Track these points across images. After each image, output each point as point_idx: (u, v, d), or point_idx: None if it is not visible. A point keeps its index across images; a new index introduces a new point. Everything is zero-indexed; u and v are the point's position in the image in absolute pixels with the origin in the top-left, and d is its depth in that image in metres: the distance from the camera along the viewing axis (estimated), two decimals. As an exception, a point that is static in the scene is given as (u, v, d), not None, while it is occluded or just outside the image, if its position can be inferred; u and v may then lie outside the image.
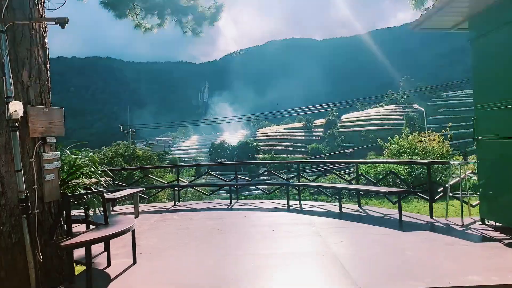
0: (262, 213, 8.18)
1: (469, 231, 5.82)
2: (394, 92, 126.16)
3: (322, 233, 6.06)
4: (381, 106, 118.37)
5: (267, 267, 4.58)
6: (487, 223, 6.15)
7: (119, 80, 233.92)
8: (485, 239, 5.35)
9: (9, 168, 3.92)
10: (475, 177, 7.78)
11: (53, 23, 4.07)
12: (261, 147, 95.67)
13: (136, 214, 8.27)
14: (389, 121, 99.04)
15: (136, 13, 10.01)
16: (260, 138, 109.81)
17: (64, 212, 4.42)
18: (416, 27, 6.67)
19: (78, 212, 5.60)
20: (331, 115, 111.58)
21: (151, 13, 10.37)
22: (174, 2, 9.70)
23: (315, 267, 4.52)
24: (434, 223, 6.47)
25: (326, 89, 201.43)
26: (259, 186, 11.07)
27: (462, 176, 6.70)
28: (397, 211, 7.50)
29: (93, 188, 4.96)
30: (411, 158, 18.44)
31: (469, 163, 6.41)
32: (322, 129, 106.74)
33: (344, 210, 8.09)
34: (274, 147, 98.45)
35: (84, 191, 4.82)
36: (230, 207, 9.19)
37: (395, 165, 15.10)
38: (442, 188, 7.19)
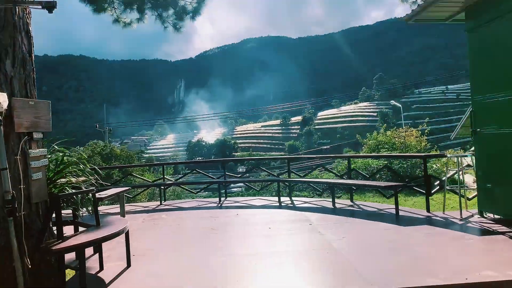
0: (254, 211, 7.96)
1: (470, 225, 5.75)
2: (368, 89, 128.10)
3: (320, 230, 5.87)
4: (355, 103, 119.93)
5: (272, 266, 4.35)
6: (485, 216, 6.09)
7: (93, 78, 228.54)
8: (488, 232, 5.26)
9: (-7, 166, 3.56)
10: (467, 171, 7.77)
11: (40, 7, 3.73)
12: (239, 145, 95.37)
13: (122, 214, 7.89)
14: (363, 118, 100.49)
15: (115, 7, 9.62)
16: (238, 135, 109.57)
17: (54, 213, 4.07)
18: (411, 18, 6.55)
19: (64, 213, 5.23)
20: (308, 113, 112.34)
21: (130, 7, 9.99)
22: (154, -5, 9.38)
23: (322, 265, 4.32)
24: (432, 217, 6.38)
25: (302, 86, 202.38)
26: (247, 183, 10.83)
27: (460, 169, 6.63)
28: (391, 206, 7.44)
29: (83, 187, 4.62)
30: (390, 153, 18.61)
31: (466, 156, 6.33)
32: (299, 126, 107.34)
33: (337, 205, 7.95)
34: (252, 145, 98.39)
35: (74, 191, 4.47)
36: (219, 205, 8.91)
37: (375, 160, 15.10)
38: (438, 182, 7.12)
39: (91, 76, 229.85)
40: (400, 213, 6.76)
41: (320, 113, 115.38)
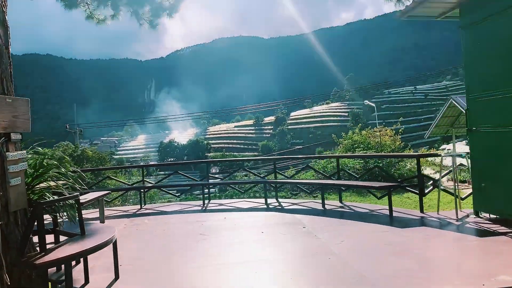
0: (242, 214, 7.65)
1: (468, 225, 5.64)
2: (339, 90, 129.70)
3: (316, 233, 5.63)
4: (327, 103, 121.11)
5: (276, 276, 4.07)
6: (481, 215, 6.01)
7: (61, 78, 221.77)
8: (489, 233, 5.15)
9: (-33, 171, 3.14)
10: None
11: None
12: (212, 146, 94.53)
13: (102, 219, 7.44)
14: (335, 118, 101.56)
15: (88, 3, 9.19)
16: (211, 136, 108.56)
17: (36, 223, 3.65)
18: (405, 14, 6.42)
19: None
20: (281, 113, 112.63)
21: (104, 3, 9.56)
22: (130, -9, 9.01)
23: (329, 273, 4.07)
24: (428, 218, 6.26)
25: (275, 86, 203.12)
26: (232, 185, 10.48)
27: (454, 168, 6.55)
28: (383, 206, 7.33)
29: (66, 193, 4.20)
30: (365, 152, 18.69)
31: (461, 155, 6.24)
32: (272, 127, 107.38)
33: (327, 207, 7.75)
34: (225, 145, 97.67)
35: (56, 197, 4.05)
36: (204, 208, 8.56)
37: (351, 159, 15.03)
38: (431, 182, 7.02)
39: (58, 75, 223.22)
40: (393, 214, 6.62)
41: (292, 113, 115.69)
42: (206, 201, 9.20)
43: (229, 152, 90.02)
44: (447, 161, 26.85)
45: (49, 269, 3.96)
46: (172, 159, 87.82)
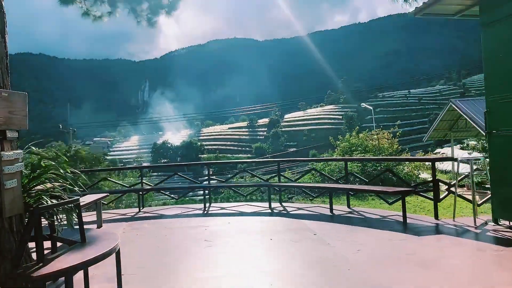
0: (246, 218, 7.32)
1: (489, 234, 5.36)
2: (334, 92, 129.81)
3: (329, 241, 5.32)
4: (321, 106, 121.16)
5: (293, 288, 3.75)
6: (500, 223, 5.74)
7: (53, 77, 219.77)
8: (513, 242, 4.89)
9: (-43, 172, 2.80)
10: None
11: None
12: (206, 147, 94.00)
13: (99, 223, 7.09)
14: (329, 121, 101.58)
15: (85, -1, 8.92)
16: (204, 137, 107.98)
17: (34, 230, 3.30)
18: (421, 11, 6.16)
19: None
20: (274, 115, 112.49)
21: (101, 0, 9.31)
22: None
23: (351, 285, 3.76)
24: (445, 225, 5.97)
25: (269, 89, 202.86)
26: (234, 188, 10.13)
27: (471, 173, 6.26)
28: (394, 212, 7.07)
29: (65, 196, 3.85)
30: (364, 155, 18.45)
31: (479, 159, 5.97)
32: (266, 129, 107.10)
33: (334, 212, 7.44)
34: (219, 147, 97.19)
35: (55, 200, 3.70)
36: (205, 212, 8.22)
37: (349, 162, 14.71)
38: (447, 187, 6.74)
39: (51, 75, 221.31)
40: (407, 220, 6.33)
41: (286, 116, 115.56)
42: (207, 204, 8.87)
43: (223, 154, 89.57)
44: (444, 166, 26.73)
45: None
46: (166, 160, 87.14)
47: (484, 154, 16.98)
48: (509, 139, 5.36)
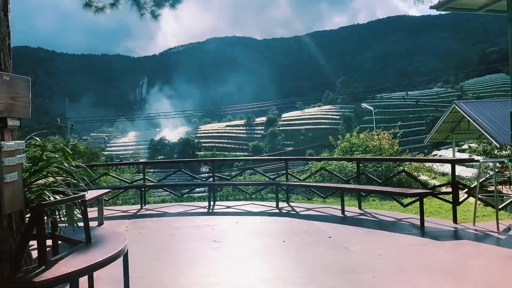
0: (254, 218, 7.03)
1: (515, 239, 5.10)
2: (332, 92, 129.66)
3: (346, 245, 5.02)
4: (319, 106, 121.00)
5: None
6: (524, 228, 5.48)
7: (51, 72, 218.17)
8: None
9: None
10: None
11: None
12: (203, 144, 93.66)
13: (101, 220, 6.77)
14: (326, 121, 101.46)
15: (87, -12, 8.60)
16: (202, 135, 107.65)
17: (35, 229, 2.98)
18: (442, 5, 5.87)
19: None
20: (272, 114, 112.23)
21: (104, -10, 8.99)
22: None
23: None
24: (466, 230, 5.69)
25: (267, 87, 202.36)
26: (239, 186, 9.84)
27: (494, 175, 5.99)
28: (408, 215, 6.79)
29: (69, 191, 3.52)
30: (364, 155, 18.19)
31: (504, 161, 5.70)
32: (263, 127, 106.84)
33: (346, 213, 7.15)
34: (216, 144, 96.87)
35: (60, 196, 3.37)
36: (210, 210, 7.92)
37: (345, 162, 14.35)
38: (466, 189, 6.46)
39: (48, 69, 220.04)
40: (425, 224, 6.03)
41: (284, 115, 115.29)
42: (211, 203, 8.56)
43: (220, 151, 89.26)
44: (443, 168, 26.55)
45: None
46: (162, 156, 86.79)
47: (485, 157, 16.76)
48: (537, 141, 5.09)
